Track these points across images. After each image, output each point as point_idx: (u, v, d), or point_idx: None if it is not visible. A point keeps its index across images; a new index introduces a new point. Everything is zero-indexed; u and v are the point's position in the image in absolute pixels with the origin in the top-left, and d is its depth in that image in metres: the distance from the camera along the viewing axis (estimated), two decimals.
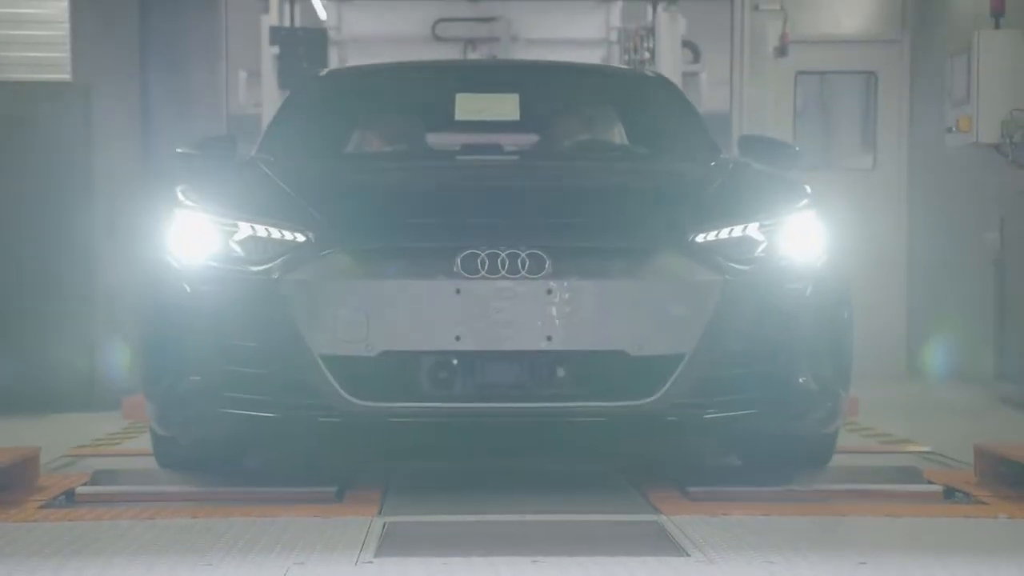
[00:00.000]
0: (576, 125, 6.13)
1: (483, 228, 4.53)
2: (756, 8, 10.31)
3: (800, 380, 4.65)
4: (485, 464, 5.60)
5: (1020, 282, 8.30)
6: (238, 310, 4.54)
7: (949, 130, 8.65)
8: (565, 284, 4.42)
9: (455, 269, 4.43)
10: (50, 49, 7.79)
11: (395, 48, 13.32)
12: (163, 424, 4.83)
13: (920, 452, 5.97)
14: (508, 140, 6.34)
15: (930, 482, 4.95)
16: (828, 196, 5.05)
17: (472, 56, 13.72)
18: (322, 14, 15.29)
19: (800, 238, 4.74)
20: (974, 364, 8.93)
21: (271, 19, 14.49)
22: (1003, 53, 8.34)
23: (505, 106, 6.13)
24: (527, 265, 4.43)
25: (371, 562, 3.71)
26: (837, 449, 5.20)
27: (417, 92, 6.41)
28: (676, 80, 9.91)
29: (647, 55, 13.68)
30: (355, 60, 13.19)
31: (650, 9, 13.88)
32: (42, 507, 4.58)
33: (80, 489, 4.80)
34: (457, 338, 4.42)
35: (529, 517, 4.32)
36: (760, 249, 4.65)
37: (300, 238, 4.55)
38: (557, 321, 4.41)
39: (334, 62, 13.50)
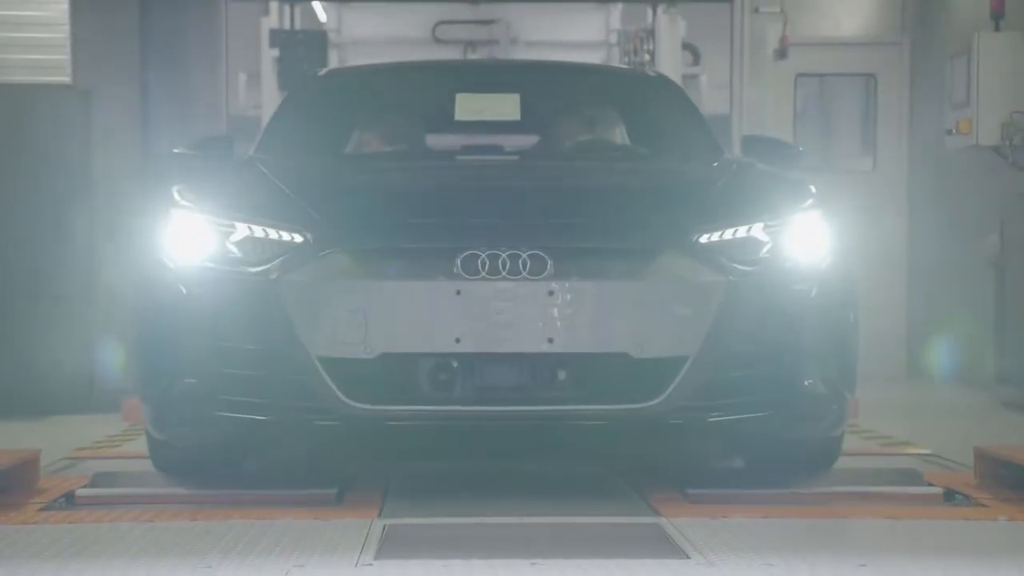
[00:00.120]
0: (577, 125, 6.07)
1: (484, 228, 4.49)
2: (756, 10, 10.31)
3: (806, 382, 4.62)
4: (485, 467, 5.59)
5: (1020, 284, 8.30)
6: (235, 312, 4.50)
7: (949, 132, 8.64)
8: (567, 285, 4.38)
9: (455, 270, 4.39)
10: (50, 52, 7.78)
11: (395, 50, 13.34)
12: (158, 427, 4.78)
13: (920, 454, 5.96)
14: (508, 141, 6.31)
15: (930, 484, 4.95)
16: (828, 198, 5.03)
17: (472, 58, 13.72)
18: (322, 16, 15.30)
19: (805, 238, 4.70)
20: (974, 366, 8.93)
21: (271, 21, 14.50)
22: (1003, 55, 8.34)
23: (505, 106, 6.08)
24: (528, 266, 4.39)
25: (371, 564, 3.71)
26: None
27: (417, 92, 6.36)
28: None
29: (647, 57, 13.69)
30: (355, 62, 13.21)
31: (650, 11, 13.89)
32: (42, 509, 4.58)
33: (80, 491, 4.80)
34: (457, 340, 4.38)
35: (529, 519, 4.32)
36: (765, 250, 4.61)
37: (298, 238, 4.52)
38: (559, 323, 4.38)
39: (334, 64, 13.52)
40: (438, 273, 4.40)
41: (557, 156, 5.85)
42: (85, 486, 4.89)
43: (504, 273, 4.39)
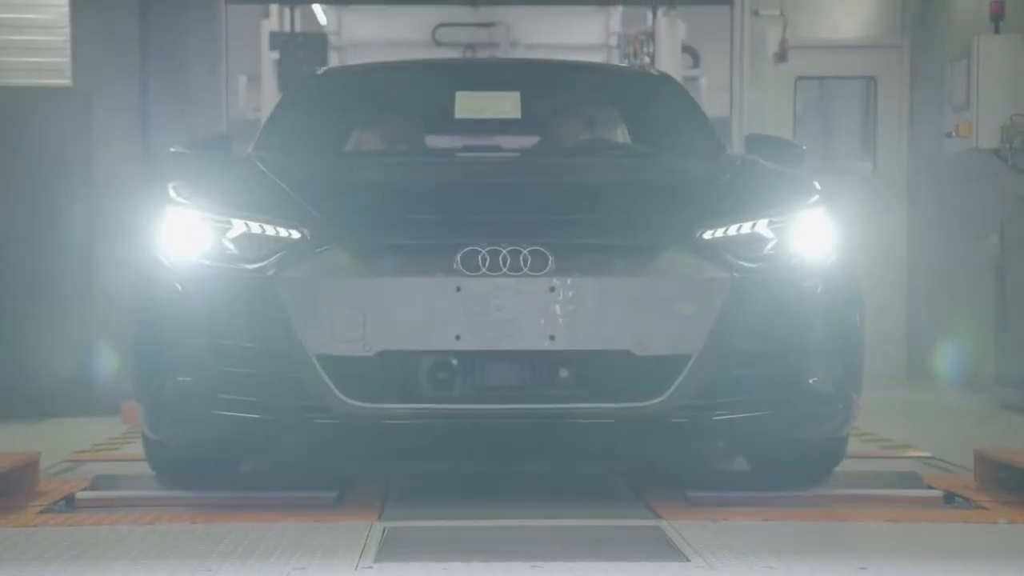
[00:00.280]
0: (578, 124, 5.99)
1: (484, 224, 4.44)
2: (756, 13, 10.31)
3: (811, 381, 4.56)
4: (485, 469, 5.59)
5: (1020, 287, 8.30)
6: (231, 309, 4.45)
7: (949, 135, 8.65)
8: (568, 282, 4.33)
9: (455, 266, 4.34)
10: (50, 54, 7.79)
11: (395, 53, 13.34)
12: (153, 427, 4.73)
13: (920, 457, 5.96)
14: (509, 142, 6.27)
15: (930, 487, 4.94)
16: (828, 200, 5.02)
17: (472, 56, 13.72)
18: (322, 19, 15.31)
19: (810, 235, 4.64)
20: (974, 369, 8.93)
21: (271, 24, 14.51)
22: (1003, 58, 8.34)
23: (506, 104, 6.00)
24: (529, 262, 4.34)
25: (371, 567, 3.70)
26: None
27: (416, 90, 6.30)
28: None
29: (647, 60, 13.71)
30: None
31: (650, 14, 13.90)
32: (42, 512, 4.58)
33: (80, 494, 4.79)
34: (457, 337, 4.33)
35: (529, 522, 4.32)
36: (769, 246, 4.55)
37: (295, 235, 4.46)
38: (560, 320, 4.32)
39: None
40: (438, 269, 4.35)
41: (558, 154, 5.79)
42: (85, 489, 4.88)
43: (505, 269, 4.34)
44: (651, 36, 13.85)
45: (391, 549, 3.92)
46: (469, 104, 6.02)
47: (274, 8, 14.53)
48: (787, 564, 3.71)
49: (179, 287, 4.54)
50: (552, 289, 4.33)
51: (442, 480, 5.33)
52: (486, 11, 14.68)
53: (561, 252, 4.36)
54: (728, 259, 4.46)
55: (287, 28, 14.28)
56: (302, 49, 13.48)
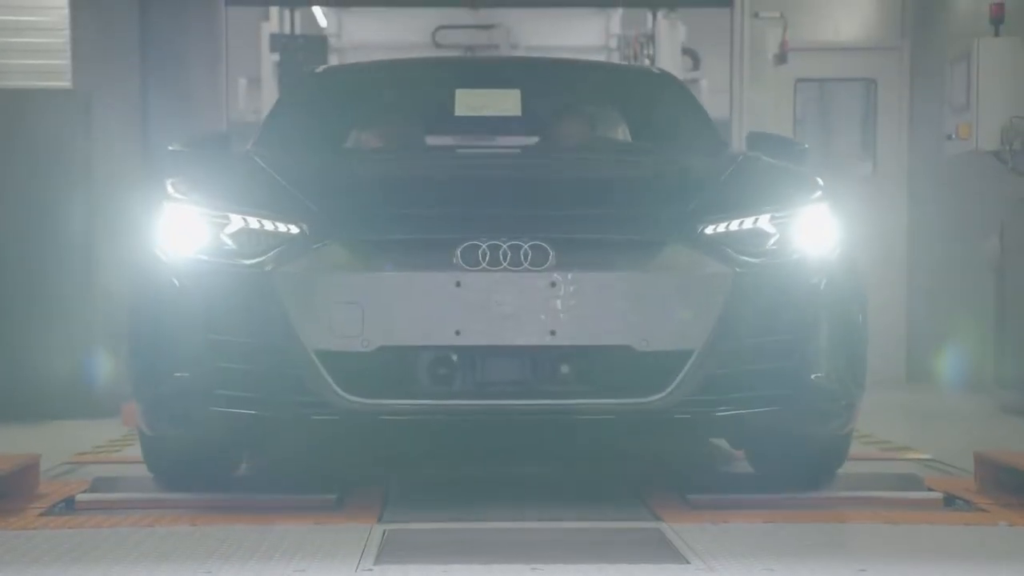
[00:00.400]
0: (579, 123, 5.95)
1: (484, 218, 4.40)
2: (756, 15, 10.32)
3: (814, 377, 4.52)
4: (485, 470, 5.58)
5: (1020, 289, 8.30)
6: (229, 304, 4.41)
7: (949, 137, 8.65)
8: (569, 277, 4.29)
9: (455, 261, 4.30)
10: (50, 57, 7.79)
11: (395, 55, 13.30)
12: (150, 424, 4.69)
13: (920, 459, 5.96)
14: (509, 142, 6.24)
15: (930, 489, 4.94)
16: (831, 196, 5.01)
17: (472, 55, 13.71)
18: (322, 21, 15.32)
19: (813, 231, 4.61)
20: (974, 371, 8.93)
21: (271, 26, 14.52)
22: (1003, 60, 8.35)
23: (506, 101, 5.94)
24: (530, 257, 4.30)
25: (371, 570, 3.70)
26: None
27: (416, 88, 6.26)
28: None
29: (647, 62, 13.71)
30: None
31: (650, 16, 13.91)
32: (42, 514, 4.58)
33: (80, 496, 4.79)
34: (457, 333, 4.30)
35: (529, 524, 4.32)
36: (772, 242, 4.52)
37: (294, 230, 4.42)
38: (561, 315, 4.28)
39: None
40: (437, 264, 4.30)
41: (559, 150, 5.75)
42: (85, 491, 4.88)
43: (505, 264, 4.30)
44: (651, 38, 13.88)
45: (391, 551, 3.92)
46: (469, 101, 5.97)
47: (274, 10, 14.55)
48: (787, 566, 3.71)
49: (176, 283, 4.50)
50: (553, 284, 4.29)
51: (442, 482, 5.33)
52: (486, 13, 14.69)
53: (562, 247, 4.33)
54: (730, 254, 4.43)
55: (287, 30, 14.29)
56: (302, 51, 13.49)
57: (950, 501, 4.80)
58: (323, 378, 4.32)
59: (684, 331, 4.34)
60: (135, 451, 6.13)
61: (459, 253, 4.31)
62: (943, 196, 9.70)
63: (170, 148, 5.36)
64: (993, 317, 8.65)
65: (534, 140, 6.07)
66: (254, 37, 14.85)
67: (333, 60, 14.45)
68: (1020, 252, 8.34)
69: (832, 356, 4.58)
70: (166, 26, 8.50)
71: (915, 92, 10.26)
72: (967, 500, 4.80)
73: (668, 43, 13.70)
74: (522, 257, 4.31)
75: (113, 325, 7.43)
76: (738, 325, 4.39)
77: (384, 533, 4.17)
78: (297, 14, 14.33)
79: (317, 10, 15.08)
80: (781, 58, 10.14)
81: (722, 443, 5.80)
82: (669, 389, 4.34)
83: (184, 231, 4.56)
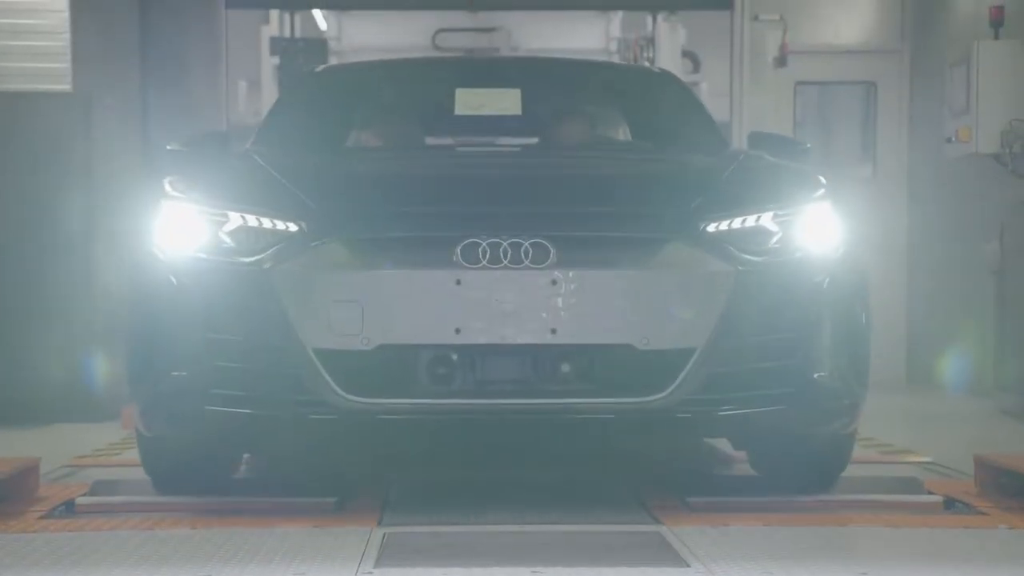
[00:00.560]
0: (580, 122, 5.92)
1: (484, 216, 4.36)
2: (756, 18, 10.33)
3: (818, 376, 4.49)
4: (485, 473, 5.58)
5: (1020, 292, 8.30)
6: (227, 303, 4.37)
7: (949, 140, 8.65)
8: (570, 275, 4.26)
9: (455, 259, 4.27)
10: (50, 60, 7.79)
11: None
12: (147, 424, 4.66)
13: (920, 462, 5.96)
14: (509, 142, 6.22)
15: (930, 492, 4.94)
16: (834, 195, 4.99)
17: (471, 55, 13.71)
18: (322, 24, 15.32)
19: (816, 229, 4.58)
20: (974, 374, 8.93)
21: (271, 29, 14.53)
22: (1002, 63, 8.35)
23: (506, 100, 5.89)
24: (531, 255, 4.27)
25: (371, 572, 3.70)
26: None
27: (416, 88, 6.24)
28: None
29: (647, 65, 13.71)
30: None
31: (650, 19, 13.92)
32: (42, 518, 4.58)
33: (80, 499, 4.79)
34: (457, 331, 4.27)
35: (529, 527, 4.31)
36: (774, 240, 4.49)
37: (293, 228, 4.39)
38: (562, 313, 4.25)
39: None
40: (437, 262, 4.28)
41: (560, 148, 5.73)
42: (85, 494, 4.89)
43: (506, 262, 4.27)
44: (651, 41, 13.88)
45: (391, 554, 3.92)
46: (469, 101, 5.93)
47: (274, 14, 14.55)
48: (787, 569, 3.71)
49: (174, 281, 4.47)
50: (554, 282, 4.27)
51: (442, 485, 5.33)
52: (486, 16, 14.70)
53: (563, 244, 4.30)
54: (732, 252, 4.41)
55: (287, 34, 14.29)
56: (302, 54, 13.49)
57: (950, 504, 4.80)
58: (322, 377, 4.29)
59: (686, 330, 4.32)
60: (135, 454, 6.13)
61: (459, 251, 4.29)
62: (943, 199, 9.70)
63: (168, 147, 5.34)
64: (993, 320, 8.65)
65: (534, 139, 6.05)
66: (254, 40, 14.85)
67: (333, 63, 14.44)
68: (1020, 254, 8.34)
69: (835, 355, 4.55)
70: (166, 29, 8.50)
71: (915, 95, 10.27)
72: (967, 503, 4.80)
73: (668, 46, 13.70)
74: (523, 255, 4.28)
75: (113, 327, 7.44)
76: (740, 323, 4.37)
77: (384, 536, 4.17)
78: (297, 17, 14.33)
79: (317, 13, 15.08)
80: (781, 61, 10.14)
81: (722, 445, 5.80)
82: (671, 388, 4.32)
83: (182, 229, 4.53)
